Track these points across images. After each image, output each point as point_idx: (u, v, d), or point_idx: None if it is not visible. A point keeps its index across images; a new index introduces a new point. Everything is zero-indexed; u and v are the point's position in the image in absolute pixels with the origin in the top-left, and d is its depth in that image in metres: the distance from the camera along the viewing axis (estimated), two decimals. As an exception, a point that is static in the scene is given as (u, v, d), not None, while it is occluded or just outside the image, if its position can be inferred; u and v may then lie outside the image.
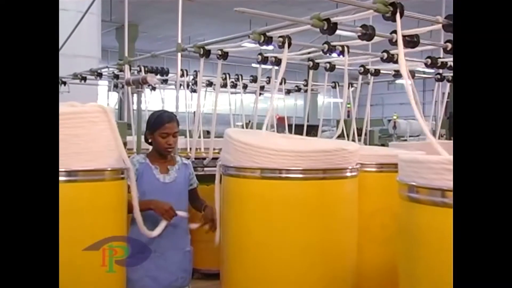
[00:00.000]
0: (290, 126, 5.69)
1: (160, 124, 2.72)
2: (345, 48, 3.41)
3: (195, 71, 5.72)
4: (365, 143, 4.85)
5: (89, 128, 2.16)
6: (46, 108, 1.41)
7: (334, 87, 5.53)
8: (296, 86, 6.42)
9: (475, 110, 1.30)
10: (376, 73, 4.35)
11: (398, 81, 6.98)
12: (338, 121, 3.51)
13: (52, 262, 1.37)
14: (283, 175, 2.38)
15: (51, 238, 1.38)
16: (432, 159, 1.71)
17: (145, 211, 2.56)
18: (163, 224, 2.62)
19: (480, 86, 1.30)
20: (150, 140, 2.81)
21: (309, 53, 3.90)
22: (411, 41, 2.79)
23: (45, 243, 1.35)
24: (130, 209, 2.45)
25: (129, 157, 2.46)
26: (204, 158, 3.71)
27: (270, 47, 3.21)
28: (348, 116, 8.85)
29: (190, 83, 6.07)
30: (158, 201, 2.63)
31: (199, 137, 4.13)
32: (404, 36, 2.60)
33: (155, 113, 2.86)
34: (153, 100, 6.25)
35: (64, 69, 5.30)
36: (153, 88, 6.30)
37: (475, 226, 1.25)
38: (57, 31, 1.51)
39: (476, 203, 1.26)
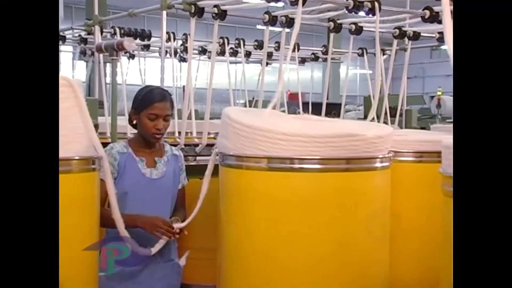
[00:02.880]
0: (305, 104, 5.69)
1: (149, 103, 2.71)
2: (376, 4, 3.41)
3: (184, 34, 5.72)
4: (400, 126, 4.85)
5: (51, 107, 2.17)
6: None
7: (361, 55, 5.51)
8: (313, 53, 6.41)
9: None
10: (416, 36, 4.33)
11: (443, 47, 6.93)
12: (366, 98, 3.48)
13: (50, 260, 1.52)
14: (296, 166, 2.39)
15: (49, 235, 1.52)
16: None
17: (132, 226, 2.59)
18: (162, 240, 2.66)
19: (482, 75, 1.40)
20: (135, 122, 2.81)
21: (329, 11, 3.89)
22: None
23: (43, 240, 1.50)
24: (108, 222, 2.48)
25: (103, 145, 2.47)
26: (197, 145, 3.72)
27: (280, 4, 3.20)
28: (380, 92, 8.78)
29: (179, 50, 6.07)
30: (144, 216, 2.63)
31: (190, 118, 4.14)
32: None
33: (144, 88, 2.86)
34: (132, 72, 6.26)
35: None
36: (132, 56, 6.31)
37: (477, 218, 1.36)
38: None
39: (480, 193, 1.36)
